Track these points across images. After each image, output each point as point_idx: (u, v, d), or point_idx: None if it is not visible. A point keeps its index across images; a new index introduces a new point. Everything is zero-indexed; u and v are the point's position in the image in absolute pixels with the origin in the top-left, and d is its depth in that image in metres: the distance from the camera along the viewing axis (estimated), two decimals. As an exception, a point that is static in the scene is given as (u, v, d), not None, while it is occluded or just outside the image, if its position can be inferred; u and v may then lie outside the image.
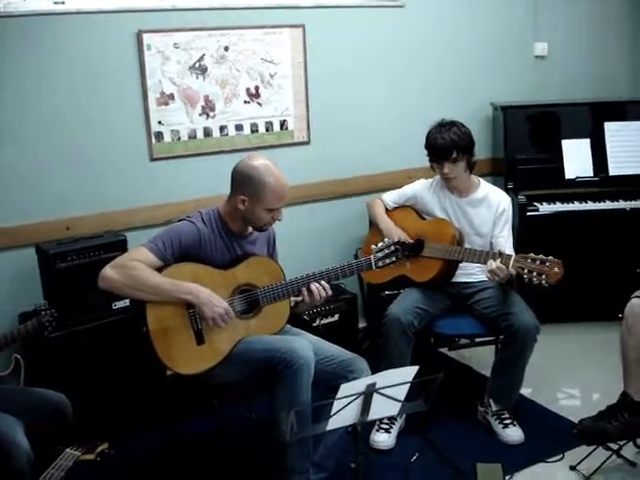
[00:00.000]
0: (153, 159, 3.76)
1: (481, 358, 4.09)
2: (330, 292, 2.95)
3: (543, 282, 3.03)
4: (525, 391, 3.61)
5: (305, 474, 2.82)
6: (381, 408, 2.37)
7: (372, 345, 4.10)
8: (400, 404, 2.40)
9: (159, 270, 2.78)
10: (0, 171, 3.41)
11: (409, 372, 2.36)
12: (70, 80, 3.49)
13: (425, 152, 3.49)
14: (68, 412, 2.74)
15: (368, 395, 2.29)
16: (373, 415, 2.37)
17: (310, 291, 2.89)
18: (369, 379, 2.32)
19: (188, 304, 2.78)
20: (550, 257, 3.06)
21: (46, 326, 2.88)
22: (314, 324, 3.92)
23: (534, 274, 3.05)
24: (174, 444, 3.39)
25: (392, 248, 2.97)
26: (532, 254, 3.10)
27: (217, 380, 2.87)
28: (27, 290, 3.41)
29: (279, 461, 2.81)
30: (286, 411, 2.57)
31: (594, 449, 3.04)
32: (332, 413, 2.26)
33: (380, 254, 2.97)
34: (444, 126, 3.41)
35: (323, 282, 2.91)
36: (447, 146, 3.36)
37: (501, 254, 3.20)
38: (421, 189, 3.63)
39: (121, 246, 3.42)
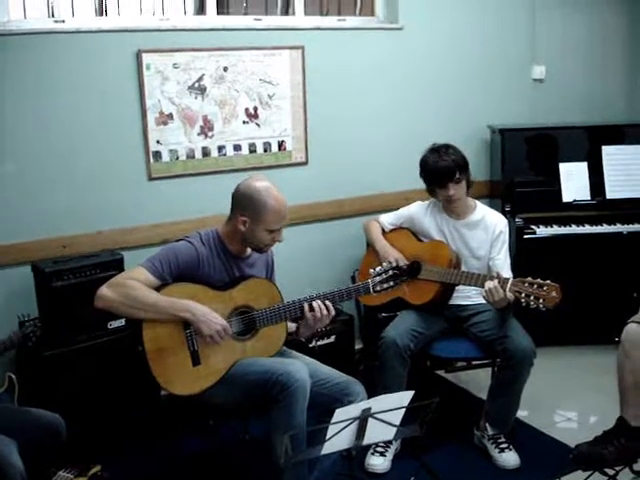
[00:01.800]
0: (151, 178, 3.77)
1: (478, 381, 4.08)
2: (334, 312, 2.94)
3: (540, 306, 3.02)
4: (521, 414, 3.58)
5: (300, 497, 2.80)
6: (376, 432, 2.36)
7: (368, 366, 4.08)
8: (395, 429, 2.38)
9: (157, 290, 2.78)
10: (-3, 189, 3.42)
11: (405, 397, 2.35)
12: (69, 99, 3.50)
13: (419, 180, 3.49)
14: (62, 432, 2.72)
15: (363, 420, 2.27)
16: (368, 439, 2.35)
17: (312, 309, 2.88)
18: (364, 404, 2.31)
19: (185, 324, 2.77)
20: (548, 281, 3.05)
21: (30, 337, 2.87)
22: (310, 345, 3.89)
23: (531, 298, 3.05)
24: (168, 466, 3.37)
25: (390, 273, 2.97)
26: (530, 278, 3.09)
27: (212, 401, 2.85)
28: (23, 309, 3.37)
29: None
30: (282, 434, 2.56)
31: (590, 474, 3.00)
32: (327, 437, 2.25)
33: (378, 278, 2.97)
34: (439, 150, 3.42)
35: (327, 302, 2.90)
36: (449, 168, 3.36)
37: (499, 276, 3.20)
38: (417, 211, 3.63)
39: (118, 265, 3.41)
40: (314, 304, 2.88)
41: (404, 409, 2.37)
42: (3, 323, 3.38)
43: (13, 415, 2.74)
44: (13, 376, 3.19)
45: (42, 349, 3.24)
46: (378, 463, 3.31)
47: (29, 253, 3.47)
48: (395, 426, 2.36)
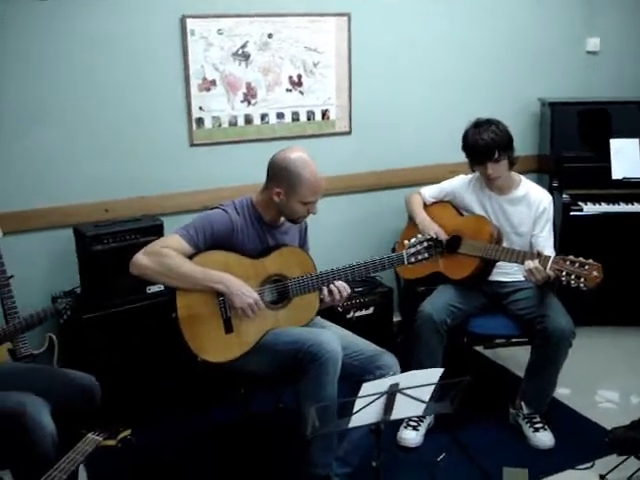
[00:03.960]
0: (193, 144, 3.77)
1: (517, 358, 4.01)
2: (349, 291, 2.93)
3: (581, 285, 2.96)
4: (563, 392, 3.49)
5: (328, 468, 2.81)
6: (405, 408, 2.33)
7: (406, 339, 4.05)
8: (424, 405, 2.36)
9: (190, 257, 2.79)
10: (42, 152, 3.45)
11: (434, 373, 2.32)
12: (113, 63, 3.51)
13: (463, 154, 3.42)
14: (97, 395, 2.74)
15: (391, 395, 2.26)
16: (396, 415, 2.33)
17: (330, 291, 2.88)
18: (393, 379, 2.28)
19: (218, 292, 2.78)
20: (590, 260, 2.98)
21: (62, 313, 2.90)
22: (348, 316, 3.91)
23: (572, 277, 2.98)
24: (197, 433, 3.41)
25: (425, 244, 2.93)
26: (571, 256, 3.03)
27: (244, 369, 2.86)
28: (63, 271, 3.47)
29: (303, 453, 2.80)
30: (310, 405, 2.56)
31: (625, 459, 2.96)
32: (354, 411, 2.24)
33: (413, 249, 2.93)
34: (481, 126, 3.32)
35: (338, 283, 2.89)
36: (489, 146, 3.27)
37: (539, 254, 3.13)
38: (460, 185, 3.57)
39: (158, 230, 3.44)
40: (331, 286, 2.87)
41: (433, 386, 2.34)
42: (46, 285, 3.48)
43: (49, 376, 2.78)
44: (54, 336, 3.25)
45: (81, 312, 3.29)
46: (410, 437, 3.30)
47: (72, 216, 3.52)
48: (423, 402, 2.34)
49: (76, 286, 3.42)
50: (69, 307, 2.93)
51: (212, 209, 2.95)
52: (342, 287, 2.89)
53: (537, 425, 3.32)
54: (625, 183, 4.25)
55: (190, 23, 3.59)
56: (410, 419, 3.34)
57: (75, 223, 3.47)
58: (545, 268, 3.05)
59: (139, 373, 3.40)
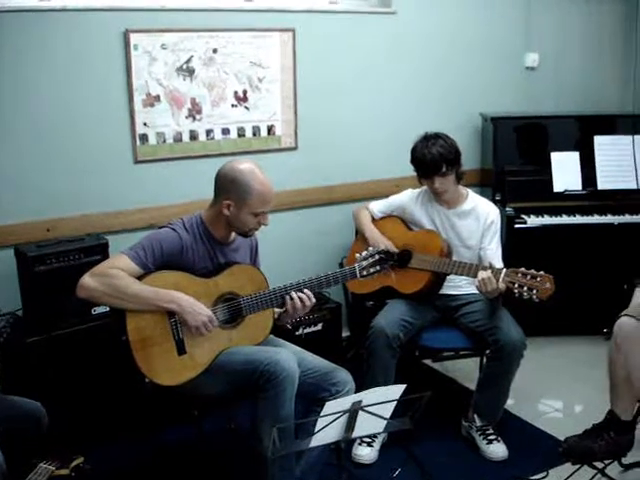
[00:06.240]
0: (137, 161, 3.69)
1: (465, 370, 4.05)
2: (314, 300, 2.89)
3: (534, 297, 2.99)
4: (507, 403, 3.52)
5: (287, 488, 2.76)
6: (366, 425, 2.31)
7: (356, 355, 4.04)
8: (385, 421, 2.34)
9: (140, 278, 2.71)
10: (-21, 170, 3.33)
11: (396, 390, 2.31)
12: (54, 79, 3.41)
13: (408, 168, 3.45)
14: (43, 421, 2.65)
15: (353, 413, 2.23)
16: (358, 432, 2.31)
17: (292, 300, 2.83)
18: (355, 397, 2.26)
19: (169, 313, 2.71)
20: (541, 272, 3.01)
21: (1, 332, 2.79)
22: (297, 333, 3.87)
23: (524, 289, 3.01)
24: (151, 457, 3.31)
25: (377, 257, 2.92)
26: (523, 269, 3.06)
27: (198, 391, 2.80)
28: (5, 293, 3.33)
29: (261, 475, 2.74)
30: (268, 424, 2.53)
31: (579, 467, 2.99)
32: (316, 430, 2.20)
33: (365, 263, 2.91)
34: (429, 140, 3.35)
35: (306, 291, 2.84)
36: (436, 160, 3.29)
37: (491, 267, 3.16)
38: (408, 200, 3.58)
39: (102, 250, 3.34)
40: (292, 294, 2.82)
41: (395, 402, 2.32)
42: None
43: (-8, 404, 2.68)
44: (-6, 362, 3.13)
45: (24, 335, 3.18)
46: (365, 453, 3.28)
47: (12, 236, 3.39)
48: (385, 419, 2.32)
49: (18, 308, 3.30)
50: (8, 325, 2.82)
51: (160, 228, 2.87)
52: (306, 297, 2.83)
53: (490, 437, 3.33)
54: (566, 196, 4.34)
55: (133, 38, 3.52)
56: (364, 435, 3.32)
57: (16, 243, 3.34)
58: (498, 281, 3.07)
59: (87, 397, 3.29)
